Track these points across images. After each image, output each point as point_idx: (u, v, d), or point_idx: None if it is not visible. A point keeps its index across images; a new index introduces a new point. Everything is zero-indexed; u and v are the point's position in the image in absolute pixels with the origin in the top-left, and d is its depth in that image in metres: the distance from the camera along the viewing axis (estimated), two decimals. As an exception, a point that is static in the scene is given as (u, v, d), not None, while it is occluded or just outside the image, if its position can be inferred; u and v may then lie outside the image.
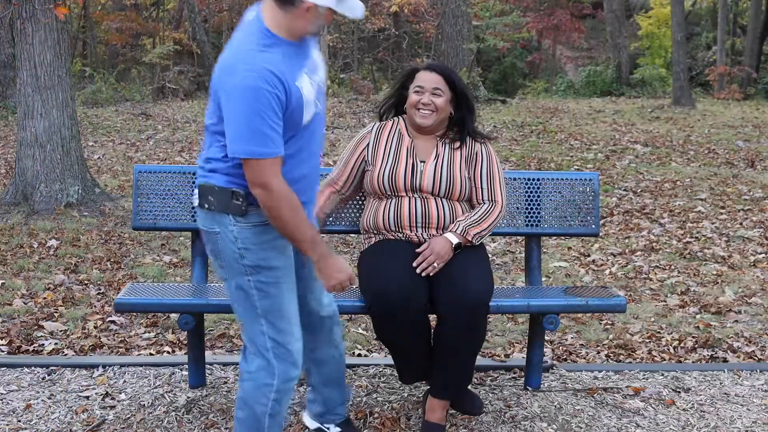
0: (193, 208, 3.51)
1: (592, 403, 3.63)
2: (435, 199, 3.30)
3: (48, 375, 3.87)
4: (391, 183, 3.31)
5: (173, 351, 4.33)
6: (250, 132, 2.45)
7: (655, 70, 23.46)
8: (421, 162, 3.33)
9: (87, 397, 3.61)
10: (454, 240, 3.21)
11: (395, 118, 3.49)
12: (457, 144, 3.37)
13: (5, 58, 14.25)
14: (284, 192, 2.50)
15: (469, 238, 3.23)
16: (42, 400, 3.58)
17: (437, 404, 3.24)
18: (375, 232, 3.38)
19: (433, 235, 3.28)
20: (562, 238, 6.62)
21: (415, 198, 3.30)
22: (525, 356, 3.87)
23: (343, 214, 3.62)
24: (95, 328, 4.65)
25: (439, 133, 3.40)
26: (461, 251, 3.23)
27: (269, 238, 2.61)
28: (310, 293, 2.94)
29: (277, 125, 2.47)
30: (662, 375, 3.97)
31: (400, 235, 3.31)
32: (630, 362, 4.25)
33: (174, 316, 4.70)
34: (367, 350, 4.36)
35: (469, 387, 3.38)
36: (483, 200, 3.35)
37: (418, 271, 3.15)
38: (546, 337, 4.19)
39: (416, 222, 3.29)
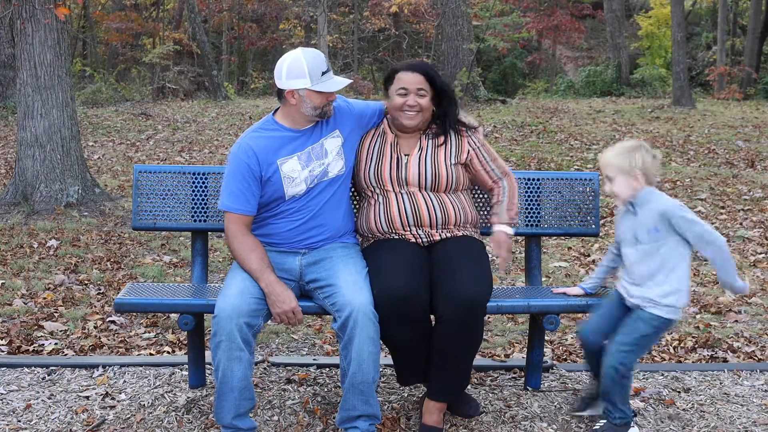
0: None
1: (592, 403, 3.62)
2: (422, 193, 3.31)
3: (48, 375, 3.87)
4: (377, 178, 3.33)
5: (173, 351, 4.33)
6: (226, 190, 3.23)
7: (655, 70, 23.47)
8: (405, 156, 3.36)
9: (87, 397, 3.61)
10: (510, 231, 3.36)
11: None
12: (442, 138, 3.39)
13: (5, 58, 14.23)
14: (235, 236, 3.21)
15: (515, 222, 3.41)
16: (42, 400, 3.57)
17: (434, 407, 3.24)
18: (370, 235, 3.39)
19: (428, 233, 3.30)
20: (562, 238, 6.62)
21: (402, 194, 3.31)
22: (525, 356, 3.86)
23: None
24: (95, 328, 4.65)
25: (423, 129, 3.42)
26: (459, 252, 3.24)
27: None
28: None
29: (246, 188, 3.19)
30: (662, 375, 3.97)
31: (395, 236, 3.32)
32: (630, 362, 4.24)
33: (174, 316, 4.70)
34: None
35: (468, 388, 3.39)
36: (499, 177, 3.45)
37: (501, 270, 3.24)
38: (546, 337, 4.19)
39: (408, 221, 3.30)
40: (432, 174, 3.32)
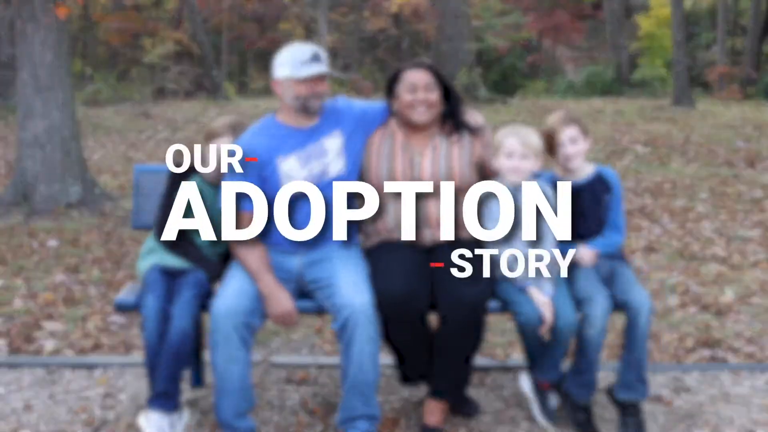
0: None
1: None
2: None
3: (48, 375, 3.87)
4: (390, 178, 3.31)
5: (173, 351, 4.32)
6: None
7: (655, 70, 23.45)
8: (417, 155, 3.34)
9: (87, 397, 3.61)
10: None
11: None
12: (455, 137, 3.37)
13: (5, 58, 14.22)
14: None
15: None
16: (42, 400, 3.58)
17: (436, 407, 3.25)
18: (375, 234, 3.38)
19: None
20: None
21: (414, 194, 3.31)
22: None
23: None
24: (95, 328, 4.65)
25: (433, 128, 3.40)
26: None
27: None
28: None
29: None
30: (662, 375, 3.97)
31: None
32: (630, 362, 4.23)
33: (174, 316, 4.69)
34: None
35: (468, 388, 3.38)
36: None
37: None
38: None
39: (417, 222, 3.29)
40: (446, 174, 3.30)
